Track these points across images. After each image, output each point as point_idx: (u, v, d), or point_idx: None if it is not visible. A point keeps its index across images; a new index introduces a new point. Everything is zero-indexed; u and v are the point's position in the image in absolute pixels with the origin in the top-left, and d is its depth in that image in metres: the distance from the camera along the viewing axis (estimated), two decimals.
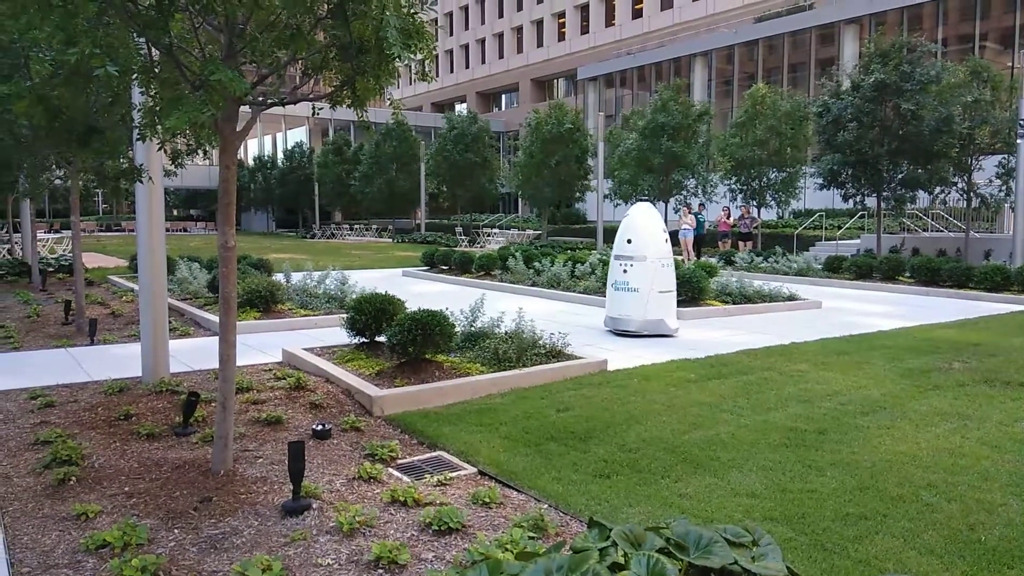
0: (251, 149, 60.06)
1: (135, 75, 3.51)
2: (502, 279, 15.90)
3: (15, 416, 5.72)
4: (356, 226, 46.85)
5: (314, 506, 3.94)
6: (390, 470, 4.71)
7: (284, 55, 4.13)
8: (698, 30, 45.36)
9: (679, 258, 19.41)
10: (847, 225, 25.68)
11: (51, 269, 17.73)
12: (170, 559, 3.31)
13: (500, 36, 62.12)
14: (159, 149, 4.81)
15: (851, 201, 20.12)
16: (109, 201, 54.14)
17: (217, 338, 9.43)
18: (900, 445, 5.18)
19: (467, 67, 65.13)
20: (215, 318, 10.20)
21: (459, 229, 36.53)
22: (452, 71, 66.29)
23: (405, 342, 6.78)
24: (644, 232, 9.93)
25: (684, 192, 23.73)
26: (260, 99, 4.50)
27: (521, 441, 5.30)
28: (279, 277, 12.72)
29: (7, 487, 4.27)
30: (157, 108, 3.71)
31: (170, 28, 3.38)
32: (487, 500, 4.06)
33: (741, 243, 23.04)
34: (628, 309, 9.82)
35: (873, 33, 28.94)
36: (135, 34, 3.71)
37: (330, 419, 5.74)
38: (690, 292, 11.66)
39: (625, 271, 9.90)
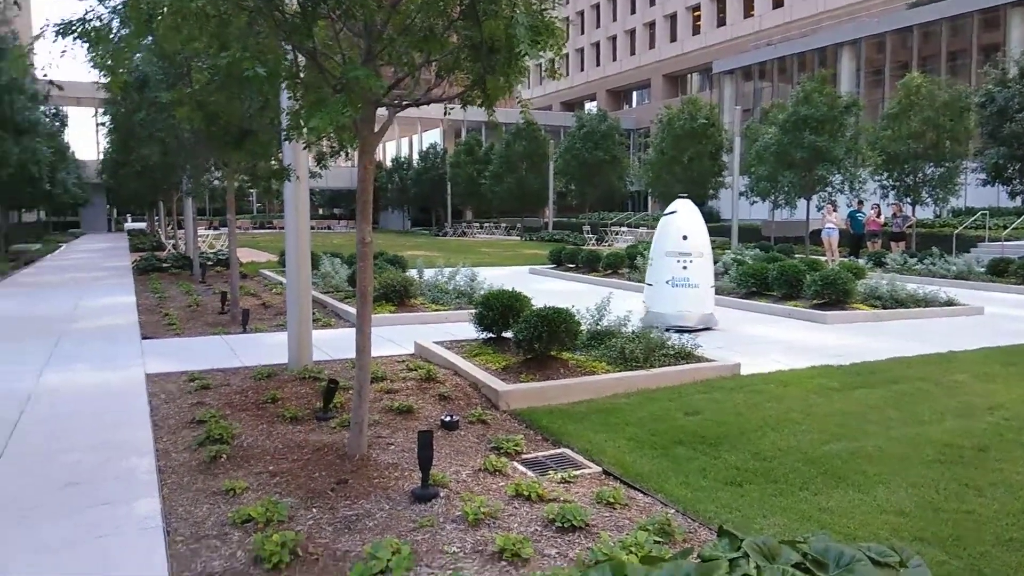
0: (389, 151, 62.71)
1: (283, 78, 3.73)
2: (630, 277, 15.67)
3: (175, 396, 6.24)
4: (486, 224, 47.77)
5: (441, 494, 4.03)
6: (515, 464, 4.74)
7: (419, 57, 4.25)
8: (843, 19, 42.75)
9: (822, 258, 18.41)
10: (1014, 225, 23.32)
11: (209, 263, 19.25)
12: (307, 536, 3.49)
13: (632, 32, 61.30)
14: (304, 149, 5.09)
15: (1019, 198, 18.21)
16: (262, 200, 58.14)
17: (355, 329, 9.89)
18: None
19: (597, 64, 64.73)
20: (353, 310, 10.70)
21: (587, 227, 36.36)
22: (582, 69, 66.10)
23: (531, 338, 6.82)
24: (699, 228, 10.21)
25: (829, 189, 22.39)
26: (396, 101, 4.67)
27: (647, 443, 5.18)
28: (412, 273, 13.17)
29: (166, 461, 4.66)
30: (301, 111, 3.93)
31: (314, 34, 3.55)
32: (611, 500, 4.00)
33: (893, 243, 21.49)
34: (688, 305, 9.85)
35: None
36: (282, 41, 3.95)
37: (458, 411, 5.86)
38: (834, 295, 10.99)
39: (685, 267, 10.00)
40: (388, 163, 57.50)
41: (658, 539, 3.44)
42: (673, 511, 4.00)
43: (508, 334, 7.85)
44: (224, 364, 7.46)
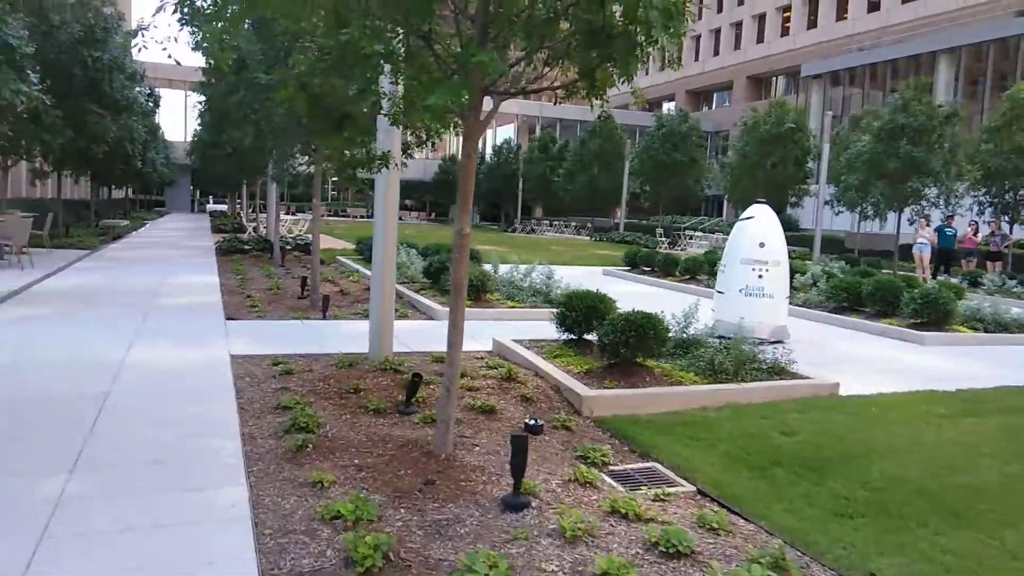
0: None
1: (399, 59, 3.59)
2: (708, 284, 15.18)
3: (260, 380, 6.25)
4: (555, 222, 47.50)
5: (533, 504, 3.84)
6: (603, 476, 4.53)
7: (534, 43, 4.05)
8: (942, 24, 40.70)
9: (914, 275, 17.50)
10: None
11: (288, 247, 19.60)
12: (399, 539, 3.34)
13: (717, 32, 59.92)
14: (411, 133, 4.97)
15: None
16: (337, 188, 59.27)
17: (431, 322, 9.78)
18: None
19: (661, 68, 63.47)
20: (429, 302, 10.66)
21: (659, 230, 35.67)
22: (662, 69, 65.01)
23: (617, 343, 6.57)
24: (776, 235, 9.72)
25: (924, 202, 21.28)
26: (502, 88, 4.49)
27: (743, 463, 4.89)
28: (487, 268, 13.05)
29: (252, 446, 4.61)
30: (414, 92, 3.79)
31: (433, 13, 3.41)
32: (714, 525, 3.74)
33: (989, 263, 20.30)
34: (761, 316, 9.34)
35: None
36: (395, 23, 3.81)
37: (540, 414, 5.67)
38: (934, 314, 10.35)
39: (760, 276, 9.54)
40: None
41: (771, 574, 3.17)
42: (779, 542, 3.72)
43: (590, 336, 7.63)
44: (306, 350, 7.47)
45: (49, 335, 7.74)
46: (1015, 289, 16.40)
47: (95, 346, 7.27)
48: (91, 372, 6.25)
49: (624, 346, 6.56)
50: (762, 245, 9.57)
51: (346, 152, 8.45)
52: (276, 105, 8.66)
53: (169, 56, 4.18)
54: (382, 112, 4.68)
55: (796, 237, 33.17)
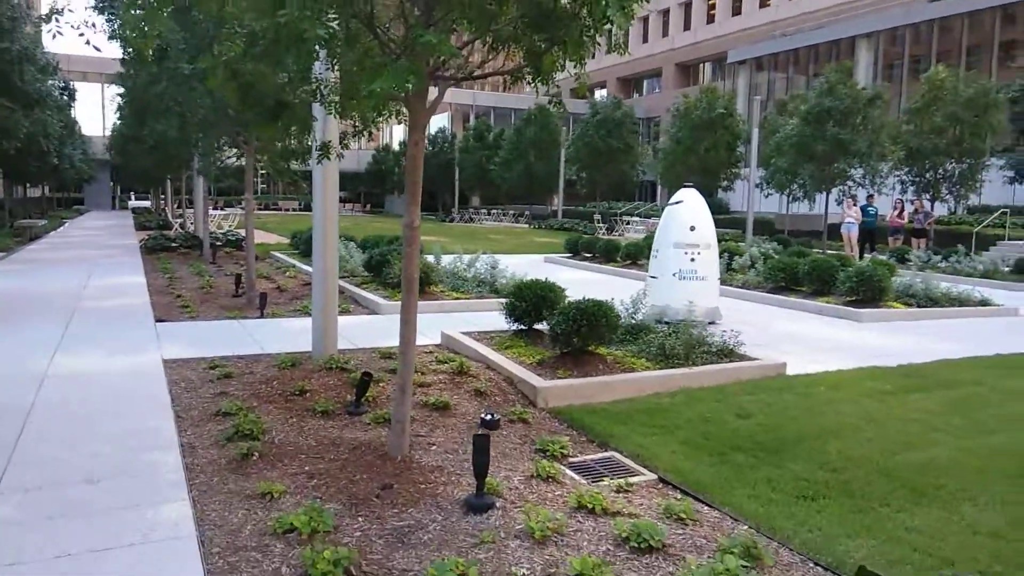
0: (396, 135, 62.11)
1: (339, 41, 3.36)
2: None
3: (197, 385, 5.91)
4: (493, 211, 47.32)
5: (497, 504, 3.70)
6: (564, 469, 4.42)
7: (480, 25, 3.87)
8: (860, 10, 42.08)
9: (844, 253, 18.02)
10: None
11: (219, 243, 18.89)
12: (359, 551, 3.15)
13: (645, 20, 60.54)
14: (349, 123, 4.74)
15: None
16: (267, 181, 57.63)
17: (375, 316, 9.52)
18: None
19: (608, 52, 63.92)
20: (373, 296, 10.37)
21: (597, 216, 35.88)
22: (593, 56, 65.23)
23: (569, 332, 6.47)
24: (705, 218, 9.80)
25: (849, 183, 21.96)
26: (449, 74, 4.30)
27: (703, 448, 4.86)
28: (430, 259, 12.81)
29: (192, 458, 4.33)
30: (356, 78, 3.56)
31: None
32: (682, 515, 3.67)
33: (914, 239, 21.09)
34: (695, 298, 9.28)
35: None
36: (334, 4, 3.58)
37: (495, 407, 5.54)
38: (869, 292, 10.63)
39: (693, 259, 9.60)
40: (396, 146, 56.93)
41: (745, 563, 3.12)
42: (746, 527, 3.69)
43: (540, 326, 7.53)
44: (244, 351, 7.13)
45: None
46: (940, 265, 17.07)
47: (14, 357, 6.78)
48: (11, 385, 5.80)
49: (576, 335, 6.47)
50: (693, 229, 9.59)
51: (279, 144, 8.11)
52: (201, 96, 8.22)
53: (87, 43, 3.85)
54: (319, 101, 4.43)
55: (727, 220, 33.85)
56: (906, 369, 7.23)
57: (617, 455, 4.81)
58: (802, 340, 8.79)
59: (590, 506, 3.69)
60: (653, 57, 59.17)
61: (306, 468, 4.16)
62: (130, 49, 7.47)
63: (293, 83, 4.62)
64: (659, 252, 9.93)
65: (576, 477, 4.34)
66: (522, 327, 7.62)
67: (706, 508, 3.95)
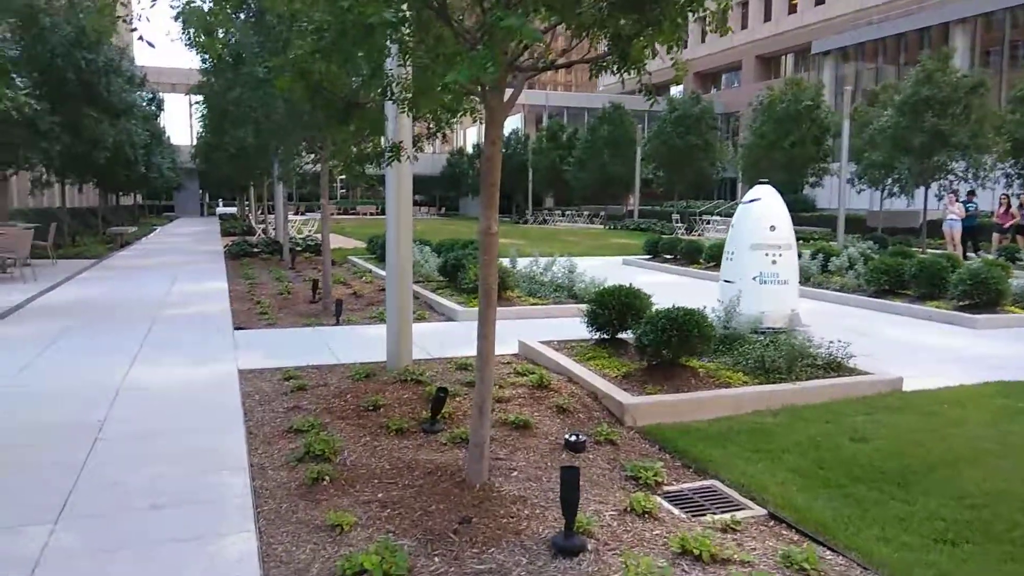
0: (470, 137, 62.38)
1: (410, 30, 3.03)
2: None
3: (271, 398, 5.72)
4: (567, 212, 46.79)
5: (588, 547, 3.29)
6: (660, 501, 3.97)
7: (566, 8, 3.47)
8: None
9: (951, 253, 16.76)
10: None
11: (298, 248, 19.11)
12: None
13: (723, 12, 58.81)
14: (422, 121, 4.42)
15: None
16: (346, 186, 58.77)
17: (451, 323, 9.24)
18: None
19: (685, 47, 62.45)
20: (448, 303, 10.11)
21: (675, 216, 34.89)
22: (668, 51, 63.86)
23: (659, 343, 5.99)
24: (784, 217, 9.01)
25: (951, 177, 20.50)
26: (528, 64, 3.92)
27: (817, 478, 4.32)
28: (505, 262, 12.49)
29: (262, 481, 4.09)
30: (430, 71, 3.23)
31: None
32: (805, 566, 3.17)
33: (1021, 238, 19.53)
34: (775, 304, 8.64)
35: None
36: None
37: (579, 426, 5.13)
38: (985, 295, 9.69)
39: (775, 261, 8.84)
40: (469, 149, 57.16)
41: None
42: None
43: (624, 335, 7.07)
44: (319, 360, 6.94)
45: (43, 354, 7.25)
46: None
47: (92, 366, 6.78)
48: (86, 397, 5.74)
49: (667, 346, 5.98)
50: (773, 228, 8.83)
51: (354, 147, 7.90)
52: (275, 99, 8.12)
53: (140, 38, 3.65)
54: (390, 98, 4.12)
55: (814, 217, 32.36)
56: None
57: (718, 483, 4.32)
58: (914, 350, 8.02)
59: (696, 552, 3.23)
60: (732, 50, 57.40)
61: (379, 495, 3.85)
62: (205, 54, 7.40)
63: (367, 85, 4.35)
64: (734, 254, 9.17)
65: (674, 511, 3.88)
66: (604, 336, 7.18)
67: (829, 553, 3.43)
